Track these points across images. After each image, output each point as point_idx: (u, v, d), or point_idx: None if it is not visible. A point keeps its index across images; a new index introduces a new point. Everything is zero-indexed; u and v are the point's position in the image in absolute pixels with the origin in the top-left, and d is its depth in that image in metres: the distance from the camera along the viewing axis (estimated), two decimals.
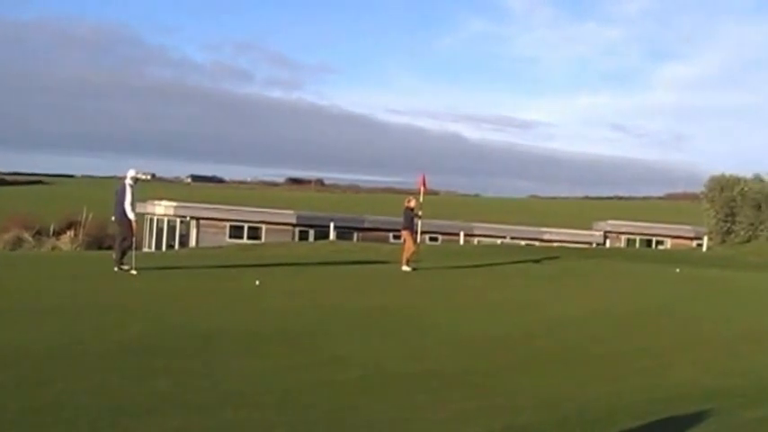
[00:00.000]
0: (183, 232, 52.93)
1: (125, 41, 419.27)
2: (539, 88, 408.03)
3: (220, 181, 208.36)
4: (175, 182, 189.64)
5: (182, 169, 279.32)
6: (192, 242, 51.81)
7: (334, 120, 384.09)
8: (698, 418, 8.12)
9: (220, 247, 42.32)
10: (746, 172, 49.52)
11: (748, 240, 45.91)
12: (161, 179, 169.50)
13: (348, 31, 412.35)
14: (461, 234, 52.44)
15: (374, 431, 7.98)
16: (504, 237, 56.08)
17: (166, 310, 15.05)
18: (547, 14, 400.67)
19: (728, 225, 47.07)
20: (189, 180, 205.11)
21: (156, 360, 10.63)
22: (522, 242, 52.89)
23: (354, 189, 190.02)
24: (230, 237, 52.19)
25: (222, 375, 9.99)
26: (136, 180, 20.69)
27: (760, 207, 46.36)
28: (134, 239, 20.83)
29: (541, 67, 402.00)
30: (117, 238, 21.04)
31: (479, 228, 58.14)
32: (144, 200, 48.01)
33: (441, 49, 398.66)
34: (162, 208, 53.54)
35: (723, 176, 48.49)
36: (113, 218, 20.94)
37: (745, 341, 13.88)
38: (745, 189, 47.11)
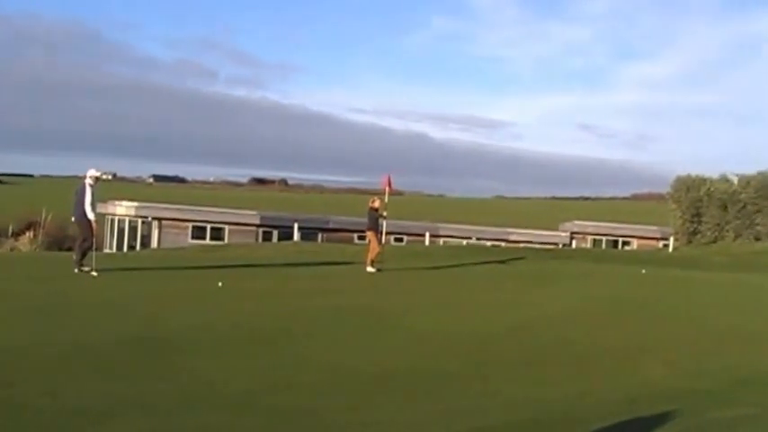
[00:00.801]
0: (145, 233, 52.58)
1: (85, 38, 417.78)
2: (505, 88, 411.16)
3: (183, 181, 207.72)
4: (137, 182, 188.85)
5: (143, 169, 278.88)
6: (154, 243, 51.50)
7: (299, 119, 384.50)
8: (665, 418, 8.14)
9: (183, 248, 42.05)
10: (712, 172, 49.90)
11: (714, 241, 46.23)
12: (122, 179, 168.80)
13: (312, 30, 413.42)
14: (427, 235, 52.45)
15: None
16: (470, 237, 56.14)
17: (127, 311, 14.87)
18: (513, 13, 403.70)
19: (694, 225, 47.38)
20: (151, 180, 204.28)
21: (115, 362, 10.51)
22: (488, 243, 52.94)
23: (319, 189, 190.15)
24: (193, 237, 51.95)
25: (183, 377, 9.87)
26: (96, 180, 20.41)
27: (726, 207, 46.70)
28: (94, 240, 20.57)
29: (507, 67, 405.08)
30: (77, 238, 20.79)
31: (445, 228, 58.18)
32: (105, 200, 47.74)
33: (406, 47, 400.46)
34: (123, 208, 53.20)
35: (689, 177, 48.80)
36: (73, 218, 20.67)
37: (712, 342, 13.89)
38: (711, 189, 47.43)
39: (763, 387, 10.34)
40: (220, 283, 18.82)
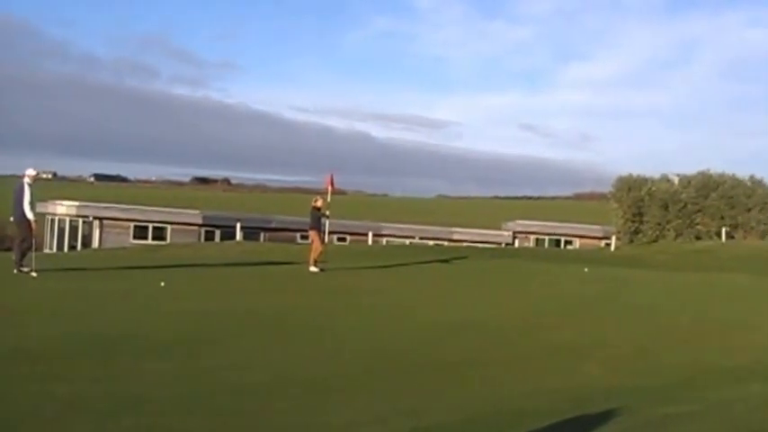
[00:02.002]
0: (86, 233, 52.04)
1: (23, 35, 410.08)
2: (447, 87, 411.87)
3: (124, 180, 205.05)
4: (78, 181, 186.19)
5: (84, 168, 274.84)
6: (95, 243, 50.99)
7: (241, 118, 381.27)
8: (606, 416, 8.16)
9: (124, 247, 41.74)
10: (654, 172, 50.56)
11: (656, 240, 46.80)
12: (63, 178, 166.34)
13: (254, 28, 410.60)
14: (370, 234, 52.45)
15: None
16: (413, 237, 56.31)
17: (68, 313, 14.66)
18: (455, 13, 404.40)
19: (636, 225, 47.92)
20: (92, 179, 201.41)
21: (56, 365, 10.31)
22: (431, 242, 53.15)
23: (261, 188, 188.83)
24: (134, 237, 51.55)
25: (125, 380, 9.72)
26: (35, 179, 20.14)
27: (667, 207, 47.31)
28: (34, 240, 20.29)
29: (450, 66, 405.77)
30: (16, 239, 20.51)
31: (388, 228, 58.28)
32: (45, 199, 47.13)
33: (348, 46, 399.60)
34: (64, 208, 52.61)
35: (630, 177, 49.36)
36: (12, 218, 20.38)
37: (653, 340, 14.01)
38: (653, 189, 48.03)
39: (704, 384, 10.45)
40: (162, 284, 18.66)
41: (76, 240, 51.73)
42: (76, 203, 53.13)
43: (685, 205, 47.36)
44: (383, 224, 58.96)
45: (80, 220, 52.29)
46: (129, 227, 52.45)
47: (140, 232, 52.34)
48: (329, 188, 27.43)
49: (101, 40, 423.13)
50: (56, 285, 18.47)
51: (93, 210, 53.06)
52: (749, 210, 47.37)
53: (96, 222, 51.85)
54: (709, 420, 8.26)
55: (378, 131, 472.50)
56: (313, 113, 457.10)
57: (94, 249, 46.68)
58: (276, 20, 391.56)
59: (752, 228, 47.22)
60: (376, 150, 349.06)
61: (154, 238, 51.32)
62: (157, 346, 11.92)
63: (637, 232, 47.98)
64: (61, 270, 21.59)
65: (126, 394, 9.01)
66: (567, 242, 60.35)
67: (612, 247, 47.61)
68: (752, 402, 9.06)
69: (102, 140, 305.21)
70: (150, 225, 53.04)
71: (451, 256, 32.33)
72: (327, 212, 25.78)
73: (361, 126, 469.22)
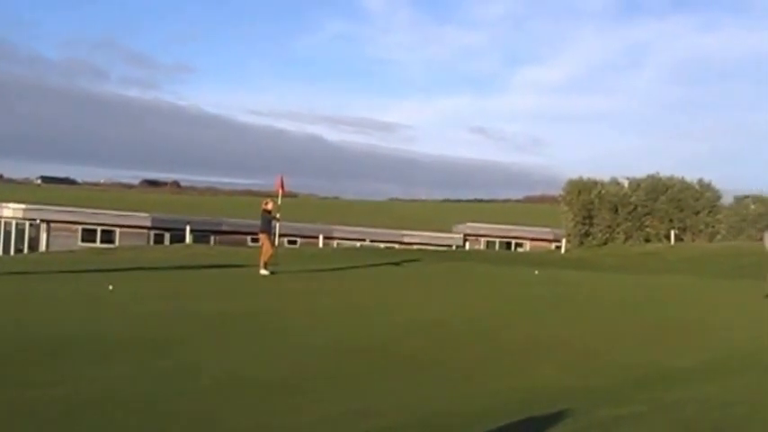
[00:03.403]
0: (33, 235, 51.42)
1: None
2: (399, 90, 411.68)
3: (72, 182, 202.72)
4: (24, 183, 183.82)
5: (31, 170, 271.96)
6: (43, 246, 50.44)
7: (193, 120, 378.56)
8: (556, 417, 8.19)
9: (72, 251, 41.30)
10: (604, 175, 51.04)
11: (605, 243, 47.27)
12: (9, 180, 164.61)
13: (206, 30, 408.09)
14: (320, 237, 52.42)
15: None
16: (364, 239, 56.27)
17: (14, 316, 14.54)
18: (406, 17, 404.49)
19: (586, 228, 48.36)
20: (39, 181, 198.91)
21: (3, 369, 10.16)
22: (382, 245, 53.13)
23: (212, 191, 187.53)
24: (82, 240, 51.04)
25: (74, 384, 9.55)
26: None
27: (617, 210, 47.80)
28: None
29: (401, 70, 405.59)
30: None
31: (339, 230, 58.22)
32: None
33: (300, 49, 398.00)
34: (10, 210, 51.94)
35: (581, 180, 49.81)
36: None
37: (605, 341, 14.07)
38: (603, 192, 48.51)
39: (654, 384, 10.50)
40: (111, 287, 18.48)
41: (23, 244, 51.11)
42: (23, 206, 52.47)
43: (635, 208, 47.86)
44: (334, 227, 58.92)
45: (27, 223, 51.63)
46: (76, 230, 51.92)
47: (88, 235, 51.82)
48: (280, 191, 27.35)
49: (50, 42, 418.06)
50: (1, 289, 18.22)
51: (40, 212, 52.45)
52: (697, 213, 47.98)
53: (43, 225, 51.28)
54: (660, 421, 8.30)
55: (330, 134, 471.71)
56: (266, 116, 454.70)
57: (41, 253, 46.13)
58: (230, 23, 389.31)
59: (700, 230, 47.83)
60: (328, 153, 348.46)
61: (102, 242, 50.81)
62: (107, 350, 11.77)
63: (587, 235, 48.40)
64: (7, 274, 21.34)
65: (76, 398, 8.87)
66: (517, 245, 60.66)
67: (563, 250, 47.94)
68: (704, 403, 9.11)
69: (51, 142, 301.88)
70: (98, 228, 52.53)
71: (403, 258, 32.43)
72: (278, 215, 25.72)
73: (313, 129, 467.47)
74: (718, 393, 9.86)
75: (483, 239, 61.23)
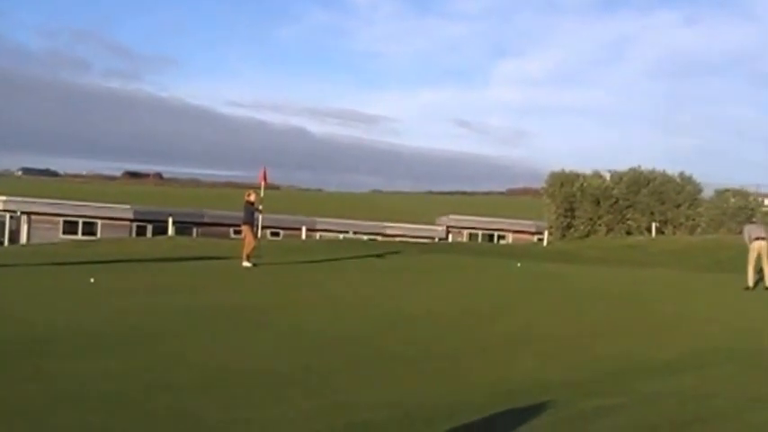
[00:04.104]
0: (14, 228, 51.21)
1: None
2: (382, 83, 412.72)
3: (54, 174, 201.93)
4: (5, 175, 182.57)
5: (12, 161, 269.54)
6: (23, 238, 50.23)
7: (175, 112, 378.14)
8: (538, 409, 8.23)
9: (53, 243, 41.09)
10: (586, 168, 51.26)
11: (587, 235, 47.44)
12: None
13: (188, 21, 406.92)
14: (303, 229, 52.35)
15: None
16: (347, 231, 56.25)
17: None
18: (390, 9, 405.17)
19: (568, 220, 48.53)
20: (20, 173, 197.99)
21: None
22: (365, 237, 53.16)
23: (194, 183, 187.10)
24: (64, 233, 50.83)
25: (54, 378, 9.51)
26: None
27: (599, 202, 47.99)
28: None
29: (385, 62, 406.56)
30: None
31: (322, 222, 58.22)
32: None
33: (283, 40, 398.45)
34: None
35: (563, 172, 50.03)
36: None
37: (585, 333, 14.14)
38: (585, 185, 48.71)
39: (633, 377, 10.56)
40: (92, 280, 18.44)
41: (3, 236, 50.87)
42: (3, 198, 52.19)
43: (617, 201, 48.06)
44: (317, 219, 58.89)
45: (7, 215, 51.36)
46: (58, 222, 51.71)
47: (70, 227, 51.63)
48: (262, 182, 27.34)
49: (32, 33, 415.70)
50: None
51: (20, 204, 52.21)
52: (678, 206, 48.22)
53: (24, 217, 51.04)
54: (639, 412, 8.35)
55: (313, 126, 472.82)
56: (248, 108, 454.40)
57: (22, 245, 45.87)
58: (212, 14, 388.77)
59: (681, 223, 48.07)
60: (311, 145, 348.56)
61: (84, 234, 50.63)
62: (88, 344, 11.74)
63: (569, 227, 48.58)
64: None
65: (56, 392, 8.83)
66: (500, 237, 60.79)
67: (545, 242, 48.07)
68: (683, 395, 9.16)
69: (32, 134, 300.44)
70: (80, 220, 52.35)
71: (385, 250, 32.41)
72: (261, 207, 25.69)
73: (296, 121, 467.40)
74: (696, 386, 9.93)
75: (466, 232, 61.33)
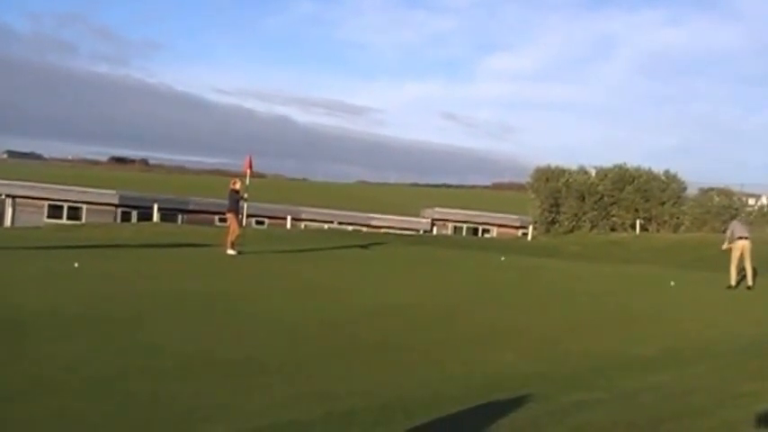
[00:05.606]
0: None
1: None
2: (369, 74, 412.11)
3: (39, 158, 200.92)
4: None
5: None
6: (8, 222, 49.98)
7: (162, 98, 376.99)
8: (518, 402, 8.25)
9: (38, 227, 40.96)
10: (571, 163, 51.36)
11: (571, 230, 47.51)
12: None
13: (177, 7, 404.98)
14: (288, 218, 52.37)
15: (193, 418, 7.75)
16: (332, 222, 56.26)
17: None
18: (377, 0, 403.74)
19: (553, 215, 48.57)
20: (5, 156, 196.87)
21: None
22: (350, 227, 53.19)
23: (180, 170, 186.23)
24: (48, 217, 50.67)
25: (34, 362, 9.54)
26: None
27: (583, 198, 48.04)
28: None
29: (372, 52, 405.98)
30: None
31: (307, 212, 58.17)
32: None
33: (269, 29, 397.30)
34: None
35: (548, 167, 50.04)
36: None
37: (566, 328, 14.21)
38: (570, 180, 48.74)
39: (613, 371, 10.60)
40: (76, 264, 18.39)
41: None
42: None
43: (601, 197, 48.12)
44: (302, 208, 58.86)
45: None
46: (42, 206, 51.54)
47: (55, 211, 51.47)
48: (248, 171, 27.31)
49: (19, 15, 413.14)
50: None
51: (5, 187, 51.97)
52: (663, 203, 48.31)
53: (9, 200, 50.82)
54: (617, 407, 8.39)
55: (299, 116, 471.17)
56: (235, 96, 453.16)
57: (6, 228, 45.76)
58: (200, 1, 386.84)
59: (665, 221, 48.17)
60: (297, 134, 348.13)
61: (68, 218, 50.48)
62: (70, 328, 11.74)
63: (553, 222, 48.64)
64: None
65: (35, 376, 8.85)
66: (484, 231, 60.88)
67: (529, 237, 48.17)
68: (661, 391, 9.21)
69: (17, 116, 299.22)
70: (65, 204, 52.18)
71: (370, 241, 32.46)
72: (246, 195, 25.67)
73: (282, 110, 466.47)
74: (675, 382, 9.97)
75: (450, 224, 61.40)
